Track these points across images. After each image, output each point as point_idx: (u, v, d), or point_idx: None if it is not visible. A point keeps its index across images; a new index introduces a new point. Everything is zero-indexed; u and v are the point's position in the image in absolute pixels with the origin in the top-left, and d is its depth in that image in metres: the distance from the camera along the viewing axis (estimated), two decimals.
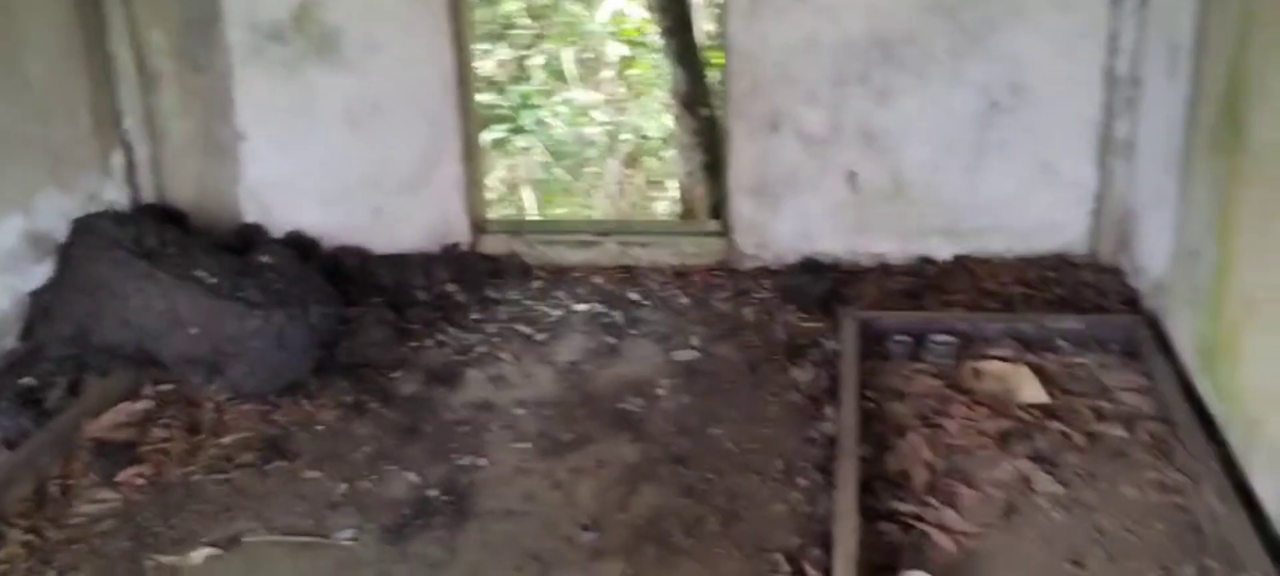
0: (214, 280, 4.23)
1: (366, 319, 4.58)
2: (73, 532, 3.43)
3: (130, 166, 5.26)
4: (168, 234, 4.50)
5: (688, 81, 7.68)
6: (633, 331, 4.73)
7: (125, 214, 4.89)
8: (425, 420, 4.05)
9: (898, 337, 4.29)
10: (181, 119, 5.32)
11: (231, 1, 5.13)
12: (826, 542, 3.13)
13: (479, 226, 5.44)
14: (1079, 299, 4.65)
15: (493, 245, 5.40)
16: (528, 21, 10.89)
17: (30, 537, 3.38)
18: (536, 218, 10.18)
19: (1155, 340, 4.12)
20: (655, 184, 10.87)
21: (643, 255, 5.35)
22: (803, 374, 4.21)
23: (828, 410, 3.91)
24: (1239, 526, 3.02)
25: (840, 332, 4.34)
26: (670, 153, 9.68)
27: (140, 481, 3.69)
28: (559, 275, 5.28)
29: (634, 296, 5.05)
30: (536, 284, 5.20)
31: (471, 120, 5.35)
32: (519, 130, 10.25)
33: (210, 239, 4.90)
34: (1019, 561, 3.10)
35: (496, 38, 10.57)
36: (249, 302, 4.16)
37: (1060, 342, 4.28)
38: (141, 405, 4.09)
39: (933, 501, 3.35)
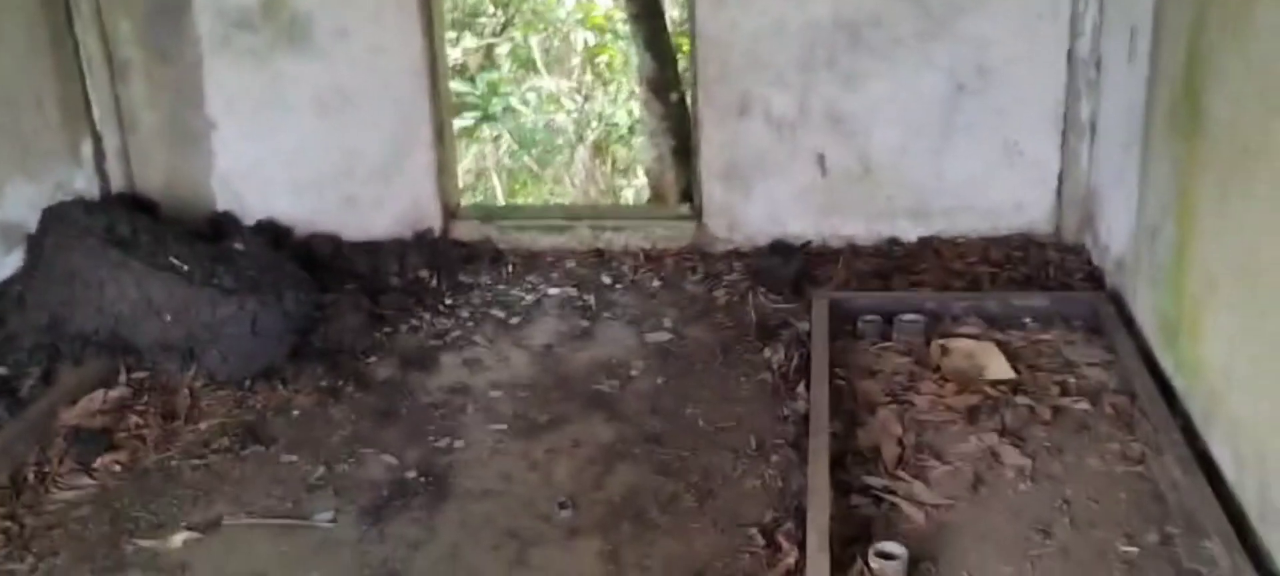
0: (187, 267, 4.24)
1: (341, 305, 4.60)
2: (51, 519, 3.44)
3: (100, 156, 5.24)
4: (140, 222, 4.50)
5: (657, 67, 7.71)
6: (606, 314, 4.77)
7: (96, 203, 4.88)
8: (401, 404, 4.08)
9: (867, 317, 4.36)
10: (150, 108, 5.31)
11: None
12: (800, 516, 3.18)
13: (451, 213, 5.46)
14: (1043, 277, 4.74)
15: (465, 231, 5.42)
16: (493, 9, 10.89)
17: (8, 524, 3.39)
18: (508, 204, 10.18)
19: (1118, 316, 4.21)
20: (623, 172, 10.90)
21: (614, 239, 5.39)
22: (774, 354, 4.27)
23: (799, 388, 3.97)
24: (1199, 493, 3.10)
25: (811, 313, 4.40)
26: (638, 140, 9.72)
27: (117, 467, 3.70)
28: (531, 260, 5.31)
29: (606, 280, 5.09)
30: (509, 269, 5.23)
31: (443, 107, 5.37)
32: (487, 118, 10.25)
33: (182, 227, 4.89)
34: (987, 531, 3.17)
35: (463, 26, 10.56)
36: (223, 289, 4.18)
37: (1026, 320, 4.36)
38: (116, 392, 4.09)
39: (903, 475, 3.42)
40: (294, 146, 5.31)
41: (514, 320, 4.73)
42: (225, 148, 5.35)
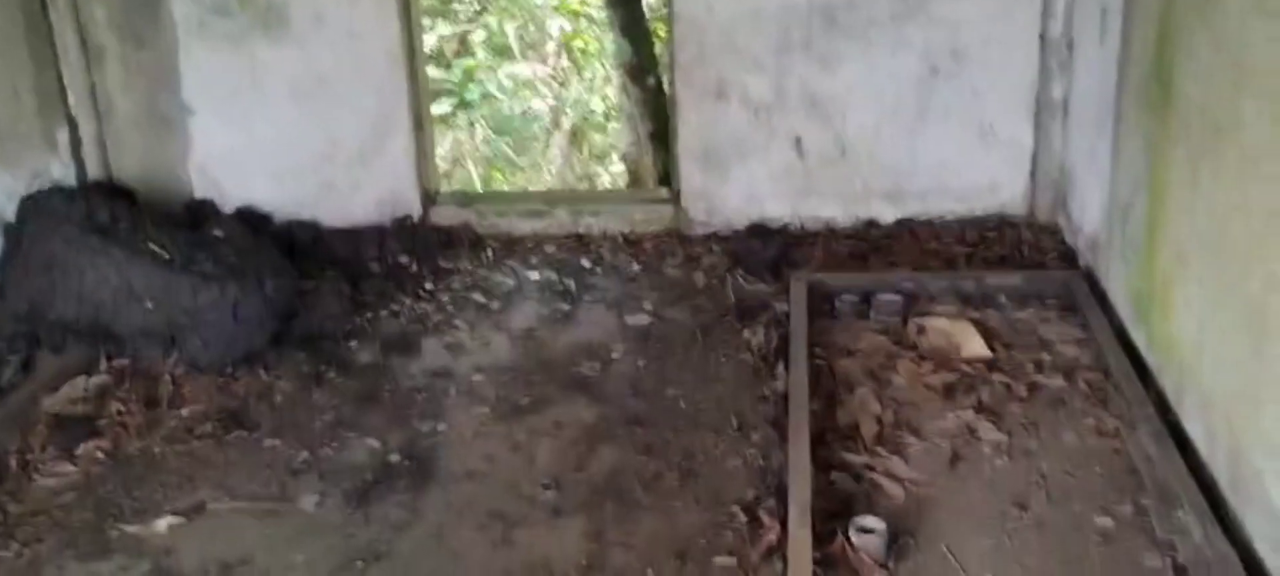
0: (167, 254, 4.24)
1: (321, 291, 4.61)
2: (34, 506, 3.45)
3: (76, 143, 5.20)
4: (118, 209, 4.48)
5: (634, 51, 7.73)
6: (586, 298, 4.80)
7: (75, 190, 4.85)
8: (384, 388, 4.10)
9: (845, 298, 4.40)
10: (126, 95, 5.28)
11: None
12: (781, 493, 3.23)
13: (430, 198, 5.46)
14: (1018, 256, 4.81)
15: (444, 217, 5.43)
16: None
17: None
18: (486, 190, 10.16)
19: (1091, 294, 4.28)
20: (599, 158, 10.91)
21: (593, 224, 5.41)
22: (754, 335, 4.31)
23: (779, 369, 4.00)
24: (1172, 466, 3.17)
25: (790, 294, 4.44)
26: (614, 126, 9.73)
27: (100, 454, 3.70)
28: (511, 245, 5.33)
29: (586, 264, 5.12)
30: (489, 254, 5.24)
31: (421, 92, 5.37)
32: (463, 104, 10.23)
33: (161, 214, 4.88)
34: (965, 506, 3.23)
35: (438, 12, 10.52)
36: (204, 276, 4.18)
37: (1001, 299, 4.43)
38: (97, 379, 4.09)
39: (882, 452, 3.48)
40: (272, 133, 5.29)
41: (494, 304, 4.75)
42: (202, 134, 5.33)
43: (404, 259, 5.09)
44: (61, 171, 5.09)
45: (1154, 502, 3.14)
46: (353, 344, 4.41)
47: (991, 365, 3.94)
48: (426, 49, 9.78)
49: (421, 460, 3.64)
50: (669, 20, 5.17)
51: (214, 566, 3.15)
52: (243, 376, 4.14)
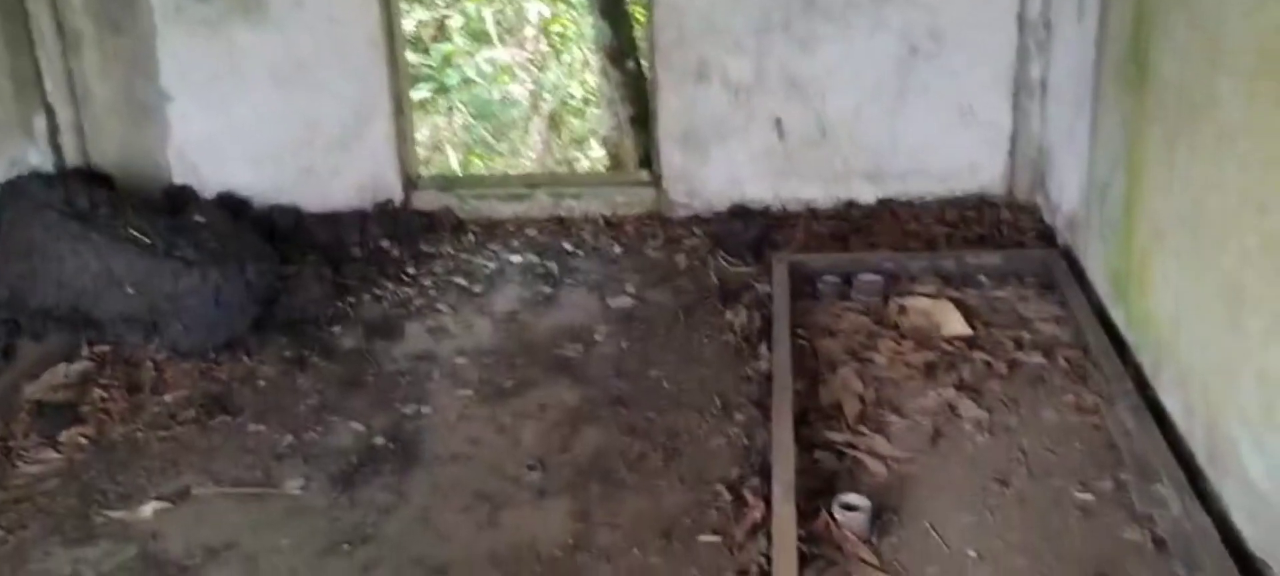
0: (148, 240, 4.22)
1: (303, 275, 4.60)
2: (18, 492, 3.44)
3: (53, 130, 5.17)
4: (98, 196, 4.46)
5: (614, 34, 7.72)
6: (568, 281, 4.81)
7: (54, 177, 4.83)
8: (367, 372, 4.10)
9: (827, 278, 4.43)
10: (104, 81, 5.25)
11: None
12: (765, 472, 3.25)
13: (411, 182, 5.46)
14: (997, 236, 4.85)
15: (425, 201, 5.42)
16: None
17: None
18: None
19: (1070, 272, 4.32)
20: (578, 143, 10.89)
21: (575, 207, 5.42)
22: (736, 316, 4.33)
23: (762, 349, 4.03)
24: (1150, 440, 3.21)
25: (771, 275, 4.46)
26: (593, 111, 9.70)
27: (83, 440, 3.69)
28: (492, 228, 5.33)
29: (568, 247, 5.13)
30: (470, 237, 5.25)
31: (401, 76, 5.36)
32: (442, 89, 10.19)
33: (139, 200, 4.85)
34: (947, 482, 3.26)
35: None
36: (185, 261, 4.16)
37: (981, 278, 4.47)
38: (79, 366, 4.08)
39: (864, 430, 3.50)
40: (251, 118, 5.28)
41: (477, 288, 4.76)
42: (181, 120, 5.30)
43: (386, 243, 5.09)
44: (39, 158, 5.07)
45: (1133, 476, 3.18)
46: (335, 328, 4.41)
47: (972, 343, 3.97)
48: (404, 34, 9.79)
49: (406, 443, 3.65)
50: (649, 3, 5.17)
51: (200, 551, 3.14)
52: (225, 361, 4.14)
